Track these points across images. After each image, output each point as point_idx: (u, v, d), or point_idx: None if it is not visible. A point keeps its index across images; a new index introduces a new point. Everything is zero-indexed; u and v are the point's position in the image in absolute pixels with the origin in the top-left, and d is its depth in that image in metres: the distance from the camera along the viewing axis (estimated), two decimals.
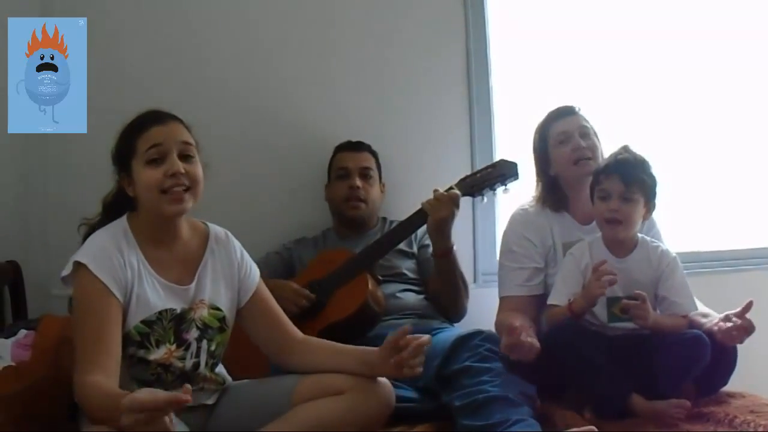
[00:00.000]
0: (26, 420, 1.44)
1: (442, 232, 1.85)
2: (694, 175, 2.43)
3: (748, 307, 1.57)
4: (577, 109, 1.89)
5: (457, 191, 1.86)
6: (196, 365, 1.44)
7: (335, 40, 2.26)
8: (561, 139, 1.85)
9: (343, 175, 2.09)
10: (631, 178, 1.66)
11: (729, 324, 1.56)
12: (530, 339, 1.53)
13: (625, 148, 1.74)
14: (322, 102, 2.25)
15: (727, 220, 2.45)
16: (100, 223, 1.46)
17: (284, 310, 1.76)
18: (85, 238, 1.44)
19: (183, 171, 1.38)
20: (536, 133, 1.91)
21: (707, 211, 2.44)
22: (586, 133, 1.85)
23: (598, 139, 1.87)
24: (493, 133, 2.33)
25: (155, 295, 1.40)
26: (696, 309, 1.70)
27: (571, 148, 1.83)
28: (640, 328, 1.62)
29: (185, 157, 1.40)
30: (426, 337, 1.41)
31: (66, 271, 1.37)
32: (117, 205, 1.47)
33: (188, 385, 1.10)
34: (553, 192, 1.88)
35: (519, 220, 1.90)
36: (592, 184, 1.74)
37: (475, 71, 2.29)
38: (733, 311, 1.60)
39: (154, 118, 1.42)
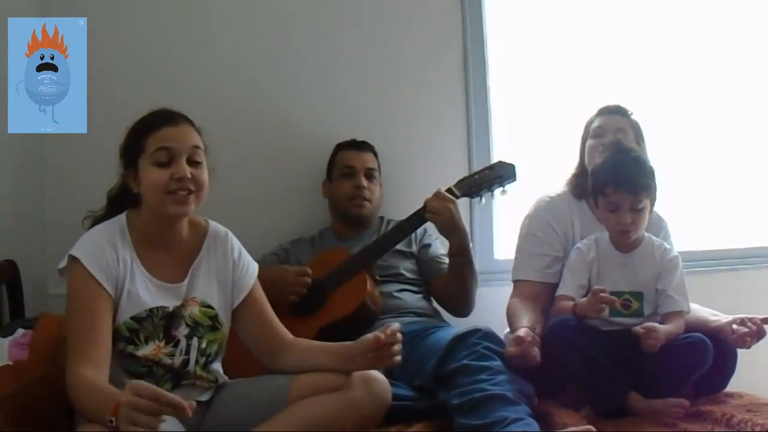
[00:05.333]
0: (24, 420, 1.44)
1: (451, 232, 1.86)
2: (692, 175, 2.43)
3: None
4: (628, 113, 1.91)
5: (453, 191, 1.86)
6: (185, 362, 1.43)
7: (332, 40, 2.27)
8: (596, 133, 1.88)
9: (348, 174, 2.10)
10: (639, 189, 1.67)
11: (745, 329, 1.58)
12: (534, 352, 1.54)
13: (619, 147, 1.74)
14: (319, 103, 2.25)
15: (724, 220, 2.46)
16: (105, 216, 1.48)
17: (287, 297, 1.81)
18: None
19: (190, 176, 1.38)
20: (586, 122, 1.94)
21: (704, 211, 2.45)
22: (622, 135, 1.85)
23: (640, 145, 1.87)
24: (491, 132, 2.33)
25: (146, 293, 1.41)
26: (689, 309, 1.71)
27: (600, 142, 1.85)
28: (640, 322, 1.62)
29: (193, 162, 1.41)
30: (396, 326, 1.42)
31: (62, 264, 1.39)
32: (122, 199, 1.48)
33: (194, 403, 1.11)
34: (581, 181, 1.89)
35: (544, 206, 1.91)
36: (595, 191, 1.73)
37: (472, 71, 2.30)
38: (750, 316, 1.62)
39: (166, 118, 1.42)
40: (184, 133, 1.42)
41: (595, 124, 1.90)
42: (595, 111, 1.94)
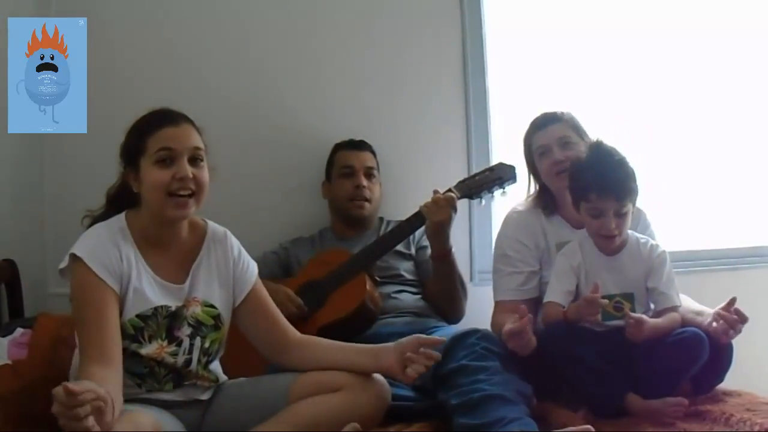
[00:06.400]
0: (23, 419, 1.45)
1: (440, 235, 1.87)
2: (689, 175, 2.44)
3: (732, 302, 1.59)
4: (559, 114, 1.86)
5: (453, 193, 1.87)
6: (188, 362, 1.44)
7: (332, 40, 2.27)
8: (541, 151, 1.84)
9: (347, 174, 2.10)
10: (624, 195, 1.64)
11: (721, 322, 1.57)
12: (529, 334, 1.54)
13: (600, 150, 1.69)
14: (318, 102, 2.26)
15: (721, 220, 2.46)
16: (104, 216, 1.47)
17: None
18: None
19: (191, 176, 1.39)
20: (523, 142, 1.90)
21: (703, 211, 2.45)
22: (566, 142, 1.81)
23: (584, 139, 1.83)
24: (490, 133, 2.33)
25: (151, 291, 1.41)
26: (680, 303, 1.70)
27: (551, 162, 1.81)
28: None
29: (194, 161, 1.41)
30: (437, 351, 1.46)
31: (63, 264, 1.39)
32: (121, 199, 1.48)
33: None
34: (546, 197, 1.88)
35: (512, 223, 1.89)
36: (578, 197, 1.70)
37: (471, 71, 2.30)
38: (719, 307, 1.61)
39: (168, 118, 1.42)
40: (186, 134, 1.42)
41: (538, 141, 1.84)
42: (528, 126, 1.88)
